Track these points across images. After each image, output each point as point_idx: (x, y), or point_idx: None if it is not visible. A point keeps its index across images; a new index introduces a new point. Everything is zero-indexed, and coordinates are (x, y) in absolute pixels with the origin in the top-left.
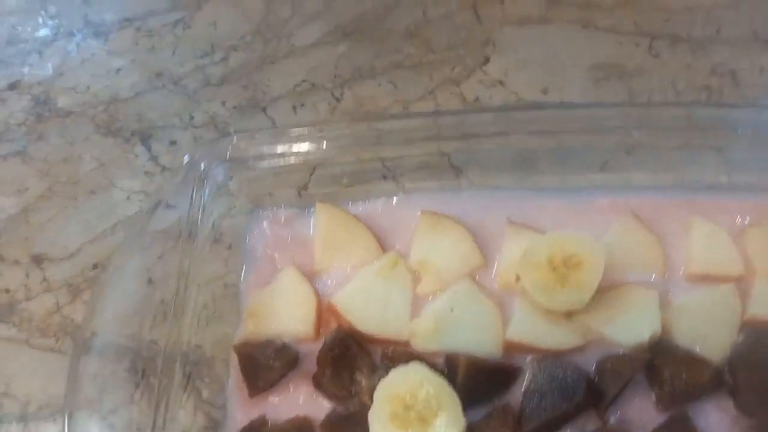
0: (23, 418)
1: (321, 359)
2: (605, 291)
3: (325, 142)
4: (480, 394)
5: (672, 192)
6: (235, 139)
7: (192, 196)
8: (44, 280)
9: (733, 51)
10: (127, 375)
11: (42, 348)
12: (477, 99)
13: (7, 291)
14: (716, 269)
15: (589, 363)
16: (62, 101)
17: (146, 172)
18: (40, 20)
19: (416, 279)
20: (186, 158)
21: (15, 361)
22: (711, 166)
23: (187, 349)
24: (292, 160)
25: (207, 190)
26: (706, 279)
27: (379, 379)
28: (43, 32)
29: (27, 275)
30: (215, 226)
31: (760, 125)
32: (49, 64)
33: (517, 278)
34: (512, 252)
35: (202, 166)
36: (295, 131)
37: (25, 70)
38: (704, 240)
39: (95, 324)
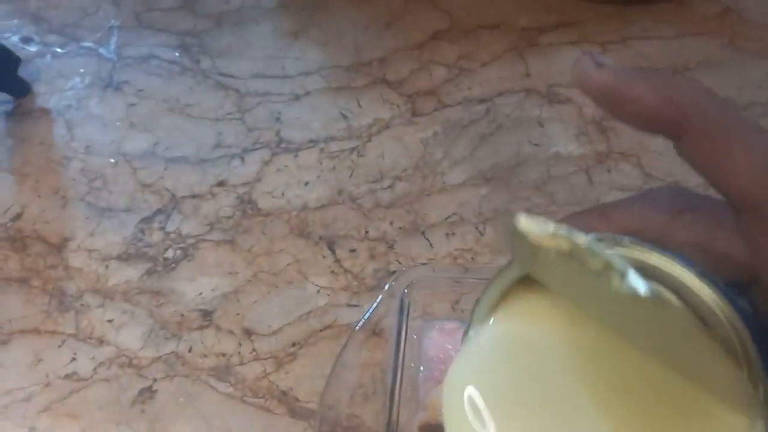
0: None
1: None
2: None
3: (471, 276)
4: None
5: None
6: (417, 268)
7: (398, 306)
8: (253, 350)
9: None
10: None
11: (254, 405)
12: None
13: (224, 355)
14: None
15: None
16: (262, 202)
17: (332, 272)
18: (241, 133)
19: None
20: (387, 287)
21: (233, 414)
22: None
23: (385, 424)
24: (452, 284)
25: (402, 303)
26: None
27: None
28: (243, 141)
29: (239, 344)
30: (406, 327)
31: None
32: (250, 169)
33: None
34: None
35: (404, 286)
36: (451, 266)
37: (230, 171)
38: None
39: (323, 400)
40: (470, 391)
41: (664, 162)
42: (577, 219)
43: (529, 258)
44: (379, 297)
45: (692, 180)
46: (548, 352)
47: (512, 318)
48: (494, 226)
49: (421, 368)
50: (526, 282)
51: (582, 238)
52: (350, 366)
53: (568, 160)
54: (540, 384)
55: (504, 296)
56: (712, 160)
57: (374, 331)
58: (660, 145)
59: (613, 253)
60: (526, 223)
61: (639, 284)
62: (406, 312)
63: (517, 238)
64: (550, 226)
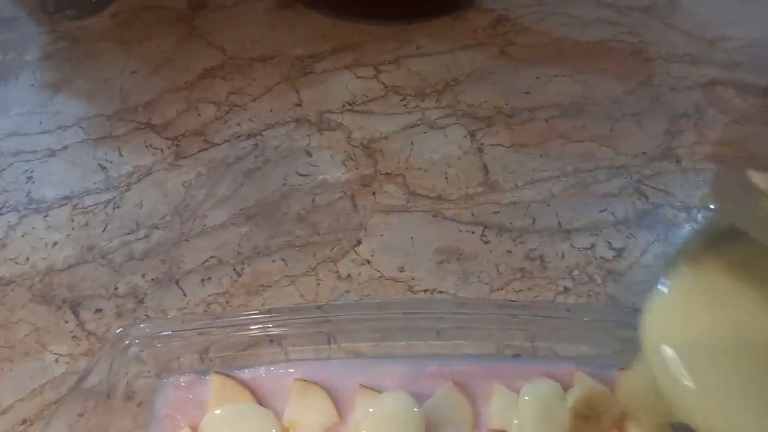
0: None
1: None
2: None
3: (223, 324)
4: None
5: (485, 360)
6: (147, 322)
7: (110, 367)
8: None
9: (542, 239)
10: None
11: None
12: (349, 275)
13: None
14: (506, 425)
15: None
16: (3, 271)
17: (74, 337)
18: None
19: None
20: (114, 334)
21: None
22: (519, 339)
23: None
24: (196, 335)
25: (122, 361)
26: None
27: None
28: None
29: None
30: (128, 388)
31: (552, 310)
32: None
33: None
34: (361, 410)
35: (125, 342)
36: (198, 315)
37: None
38: (501, 402)
39: None
40: (669, 334)
41: (427, 179)
42: None
43: (746, 212)
44: (96, 359)
45: (454, 194)
46: (747, 303)
47: (714, 267)
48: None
49: (150, 430)
50: (730, 236)
51: None
52: None
53: (334, 187)
54: (739, 335)
55: (708, 245)
56: None
57: (108, 395)
58: (425, 162)
59: None
60: (759, 177)
61: None
62: (121, 372)
63: (741, 191)
64: None
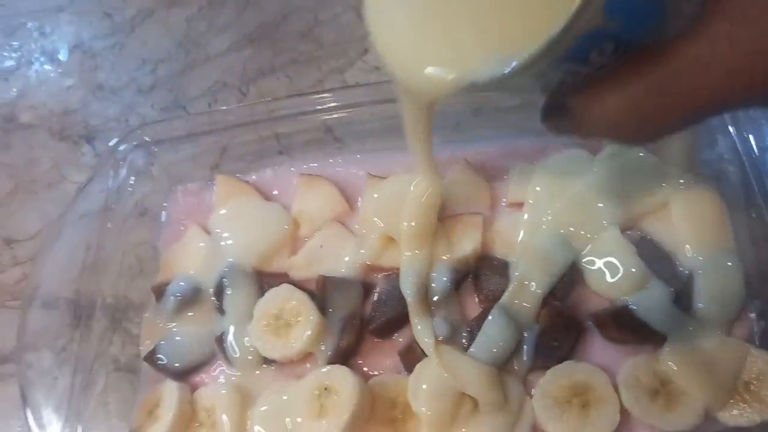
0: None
1: (218, 287)
2: (446, 221)
3: (229, 124)
4: (338, 304)
5: (503, 141)
6: (142, 128)
7: (116, 177)
8: (13, 257)
9: None
10: (69, 320)
11: (13, 308)
12: (357, 83)
13: None
14: (524, 197)
15: None
16: (24, 117)
17: (91, 167)
18: (5, 53)
19: (297, 225)
20: (109, 145)
21: None
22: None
23: (115, 300)
24: (205, 143)
25: (126, 171)
26: (519, 205)
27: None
28: (7, 63)
29: None
30: (138, 203)
31: None
32: (14, 89)
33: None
34: (368, 196)
35: (122, 147)
36: (206, 118)
37: None
38: (519, 176)
39: (39, 280)
40: None
41: None
42: None
43: None
44: (96, 168)
45: None
46: None
47: None
48: None
49: (161, 234)
50: None
51: None
52: (93, 247)
53: (336, 2)
54: None
55: None
56: None
57: (114, 208)
58: None
59: None
60: None
61: None
62: (126, 183)
63: None
64: None
